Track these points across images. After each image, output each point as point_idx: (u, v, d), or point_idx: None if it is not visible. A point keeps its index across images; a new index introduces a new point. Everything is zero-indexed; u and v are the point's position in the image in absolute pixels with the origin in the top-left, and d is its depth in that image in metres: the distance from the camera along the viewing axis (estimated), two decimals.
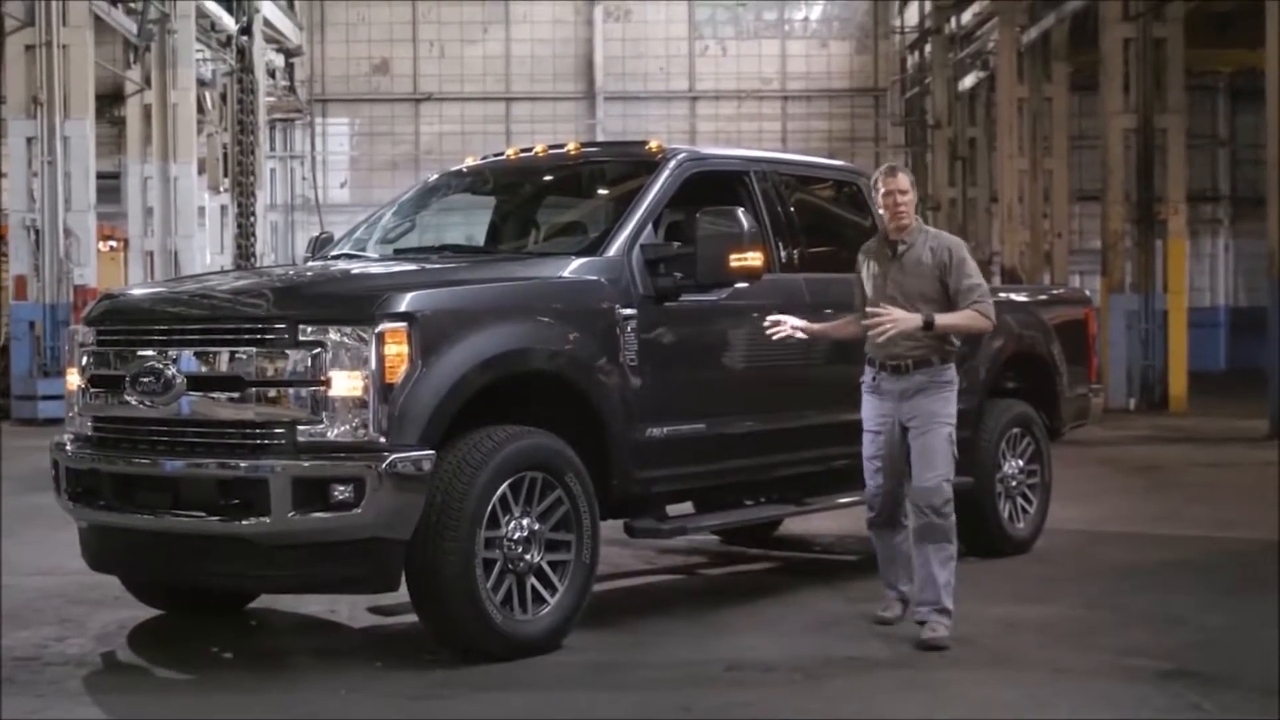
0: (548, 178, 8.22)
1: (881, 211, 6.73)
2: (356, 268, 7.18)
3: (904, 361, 6.55)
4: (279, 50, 30.00)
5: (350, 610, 7.18)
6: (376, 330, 5.75)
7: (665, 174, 7.22)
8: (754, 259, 6.76)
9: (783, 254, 7.55)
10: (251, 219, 25.53)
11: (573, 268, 6.74)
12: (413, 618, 6.30)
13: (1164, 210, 20.26)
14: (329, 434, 5.77)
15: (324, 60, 32.82)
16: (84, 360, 6.49)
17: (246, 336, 5.97)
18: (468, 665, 6.00)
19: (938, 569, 6.46)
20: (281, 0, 29.21)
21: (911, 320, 6.44)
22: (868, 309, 6.67)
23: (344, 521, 5.73)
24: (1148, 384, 19.95)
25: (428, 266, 6.99)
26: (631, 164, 7.67)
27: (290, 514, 5.73)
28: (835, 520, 8.84)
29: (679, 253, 6.81)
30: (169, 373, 6.04)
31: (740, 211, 6.84)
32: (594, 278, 6.67)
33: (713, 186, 7.42)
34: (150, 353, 6.16)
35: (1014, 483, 8.68)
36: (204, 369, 6.02)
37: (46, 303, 18.95)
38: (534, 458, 6.16)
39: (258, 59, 25.96)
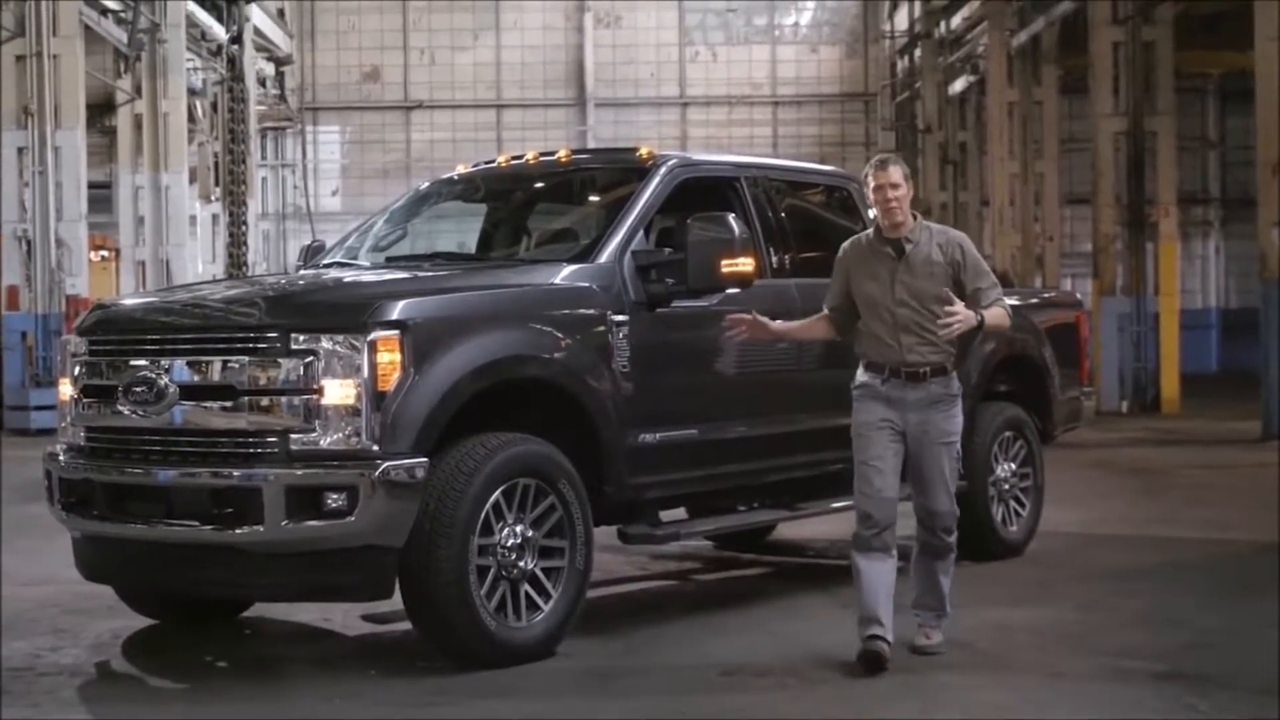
0: (539, 185, 8.23)
1: (873, 209, 6.36)
2: (349, 276, 7.18)
3: (921, 369, 6.12)
4: (269, 59, 30.03)
5: (344, 618, 7.17)
6: (369, 338, 5.76)
7: (656, 180, 7.23)
8: (745, 264, 6.76)
9: (774, 259, 7.57)
10: (243, 228, 25.56)
11: (565, 274, 6.74)
12: (407, 625, 6.30)
13: (1155, 213, 20.30)
14: (322, 442, 5.77)
15: (314, 68, 32.84)
16: (76, 370, 6.48)
17: (239, 345, 5.97)
18: (462, 672, 5.99)
19: (942, 577, 6.34)
20: (272, 8, 29.21)
21: (972, 319, 6.02)
22: (894, 310, 6.12)
23: (337, 529, 5.73)
24: (1140, 386, 19.99)
25: (420, 274, 6.99)
26: (622, 170, 7.68)
27: (283, 522, 5.72)
28: (828, 525, 8.84)
29: (670, 259, 6.82)
30: (161, 382, 6.03)
31: (731, 217, 6.84)
32: (586, 284, 6.67)
33: (704, 192, 7.43)
34: (143, 362, 6.15)
35: (1007, 486, 8.69)
36: (196, 378, 6.02)
37: (39, 313, 18.97)
38: (527, 464, 6.16)
39: (248, 68, 25.99)
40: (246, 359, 5.90)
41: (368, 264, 7.64)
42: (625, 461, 6.63)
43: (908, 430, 6.14)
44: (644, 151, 7.55)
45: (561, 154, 7.95)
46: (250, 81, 26.21)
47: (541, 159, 7.97)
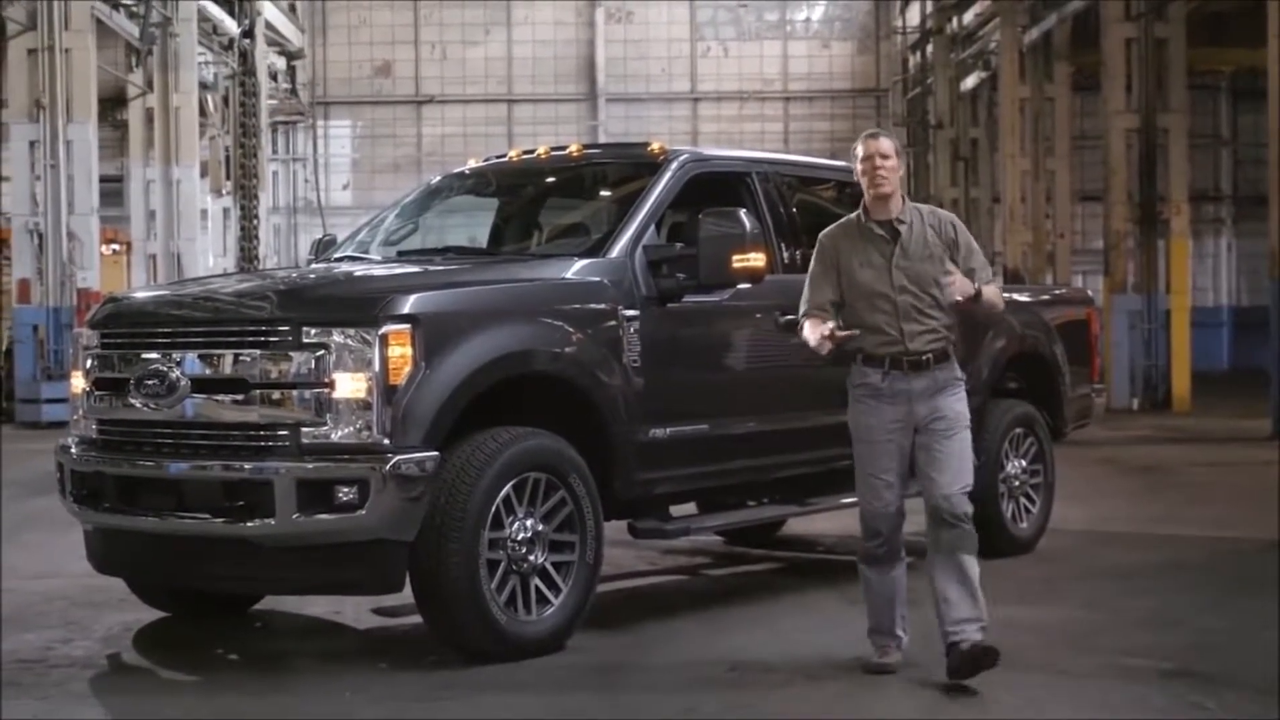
0: (550, 179, 8.23)
1: (861, 180, 5.90)
2: (360, 270, 7.19)
3: (924, 356, 5.77)
4: (281, 53, 30.07)
5: (354, 612, 7.18)
6: (380, 332, 5.76)
7: (667, 175, 7.23)
8: (756, 260, 6.76)
9: (785, 255, 7.54)
10: (254, 221, 25.60)
11: (576, 269, 6.74)
12: (417, 619, 6.31)
13: (1166, 210, 20.25)
14: (333, 436, 5.78)
15: (326, 63, 32.86)
16: (88, 363, 6.50)
17: (250, 339, 5.98)
18: (471, 666, 6.00)
19: (971, 576, 5.74)
20: (283, 3, 29.24)
21: (970, 287, 5.70)
22: (894, 298, 5.77)
23: (348, 523, 5.74)
24: (1150, 384, 19.96)
25: (431, 268, 7.00)
26: (634, 165, 7.68)
27: (294, 516, 5.73)
28: (838, 521, 8.82)
29: (681, 254, 6.81)
30: (173, 375, 6.04)
31: (742, 212, 6.83)
32: (597, 279, 6.68)
33: (715, 187, 7.42)
34: (154, 355, 6.16)
35: (1017, 483, 8.68)
36: (208, 371, 6.03)
37: (50, 306, 19.02)
38: (537, 459, 6.16)
39: (260, 62, 26.03)
40: (258, 352, 5.91)
41: (379, 258, 7.65)
42: (635, 456, 6.63)
43: (917, 423, 5.78)
44: (655, 147, 7.55)
45: (573, 149, 7.95)
46: (262, 75, 26.26)
47: (553, 154, 7.97)
